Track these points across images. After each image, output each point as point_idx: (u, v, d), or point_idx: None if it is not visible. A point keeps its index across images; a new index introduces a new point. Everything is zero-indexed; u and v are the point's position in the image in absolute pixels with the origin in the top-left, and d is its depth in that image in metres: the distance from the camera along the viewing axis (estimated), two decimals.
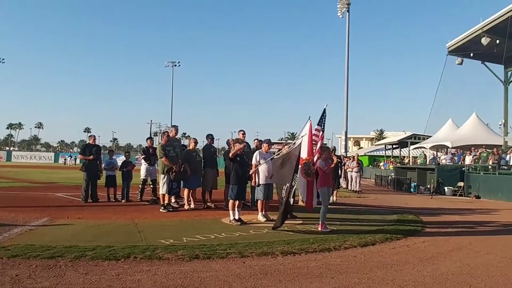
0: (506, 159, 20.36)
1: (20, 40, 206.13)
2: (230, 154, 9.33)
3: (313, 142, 9.26)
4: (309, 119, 9.24)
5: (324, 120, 10.20)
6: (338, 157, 15.92)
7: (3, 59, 69.29)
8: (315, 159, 9.23)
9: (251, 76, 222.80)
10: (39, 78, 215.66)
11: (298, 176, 8.78)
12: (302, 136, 9.33)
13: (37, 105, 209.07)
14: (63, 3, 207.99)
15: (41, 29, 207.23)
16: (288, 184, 8.11)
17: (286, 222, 8.42)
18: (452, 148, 27.97)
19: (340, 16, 31.20)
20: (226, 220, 9.09)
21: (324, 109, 10.36)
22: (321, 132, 10.05)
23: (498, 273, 5.62)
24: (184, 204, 11.45)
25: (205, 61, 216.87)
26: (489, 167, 19.85)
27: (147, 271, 5.13)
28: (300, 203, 10.60)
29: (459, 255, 6.70)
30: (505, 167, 19.62)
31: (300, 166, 8.82)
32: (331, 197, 11.94)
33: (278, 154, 9.16)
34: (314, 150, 9.18)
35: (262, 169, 9.39)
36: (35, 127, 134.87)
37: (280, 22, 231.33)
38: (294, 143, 8.94)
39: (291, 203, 8.50)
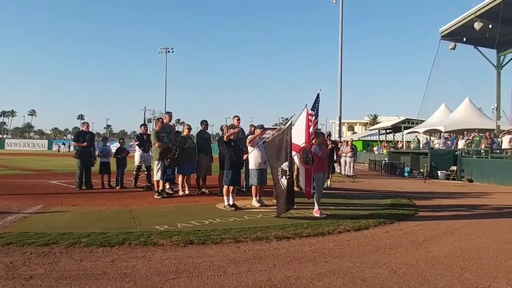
0: (498, 143, 20.48)
1: (11, 26, 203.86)
2: (224, 137, 9.35)
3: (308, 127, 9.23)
4: (305, 107, 9.22)
5: (318, 105, 10.18)
6: (334, 142, 15.95)
7: None
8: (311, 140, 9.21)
9: (245, 62, 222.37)
10: (31, 65, 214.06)
11: (296, 162, 8.77)
12: (292, 118, 9.33)
13: (30, 92, 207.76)
14: None
15: (33, 14, 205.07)
16: (283, 167, 8.09)
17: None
18: (445, 132, 28.10)
19: (334, 1, 30.92)
20: (221, 206, 9.12)
21: (318, 94, 10.34)
22: (314, 117, 10.03)
23: (490, 255, 5.69)
24: (179, 190, 11.47)
25: (199, 47, 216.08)
26: (482, 151, 19.98)
27: (142, 257, 5.15)
28: (295, 188, 10.63)
29: (451, 238, 6.77)
30: (498, 151, 19.76)
31: (299, 154, 8.81)
32: (326, 181, 11.98)
33: (270, 138, 9.14)
34: (311, 136, 9.15)
35: (256, 154, 9.40)
36: (28, 114, 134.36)
37: (274, 6, 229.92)
38: (284, 127, 8.90)
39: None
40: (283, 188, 8.01)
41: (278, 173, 8.23)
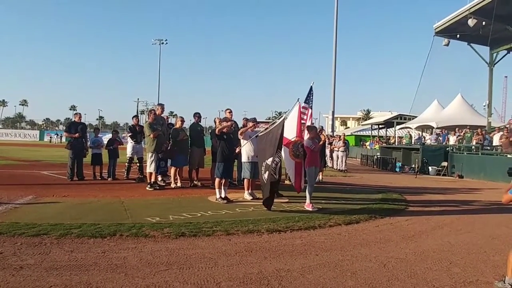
0: (489, 139, 20.64)
1: (2, 15, 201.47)
2: (216, 130, 9.37)
3: (302, 121, 9.25)
4: (297, 101, 9.22)
5: (312, 98, 10.22)
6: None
7: None
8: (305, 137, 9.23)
9: (239, 55, 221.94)
10: (23, 55, 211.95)
11: (283, 155, 8.78)
12: (285, 113, 9.35)
13: (21, 81, 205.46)
14: None
15: (23, 3, 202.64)
16: (267, 162, 8.12)
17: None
18: (437, 128, 28.24)
19: None
20: (213, 199, 9.13)
21: (311, 87, 10.38)
22: (309, 110, 10.07)
23: (478, 250, 5.76)
24: (171, 182, 11.47)
25: (193, 39, 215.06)
26: (473, 147, 20.12)
27: (133, 248, 5.16)
28: (286, 182, 10.67)
29: (440, 233, 6.84)
30: (488, 148, 19.91)
31: (289, 147, 8.82)
32: (318, 176, 12.04)
33: (263, 131, 9.16)
34: (303, 130, 9.16)
35: (249, 147, 9.42)
36: (20, 104, 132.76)
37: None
38: (277, 122, 8.91)
39: (278, 181, 8.53)
40: (265, 182, 8.10)
41: (262, 167, 8.29)
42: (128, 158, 12.71)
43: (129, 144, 12.67)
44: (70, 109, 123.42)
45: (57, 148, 33.46)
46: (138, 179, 12.22)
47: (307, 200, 8.47)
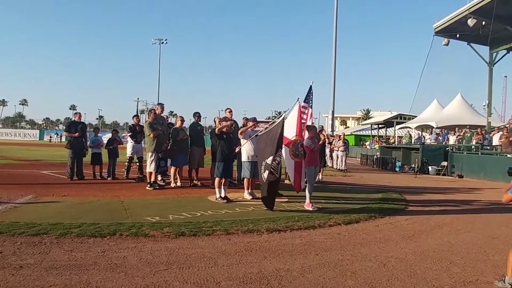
0: (489, 139, 20.64)
1: (2, 15, 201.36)
2: (216, 130, 9.37)
3: (302, 120, 9.25)
4: (297, 100, 9.23)
5: (311, 97, 10.23)
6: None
7: None
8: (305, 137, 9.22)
9: (239, 55, 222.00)
10: (23, 54, 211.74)
11: (284, 155, 8.78)
12: (285, 112, 9.35)
13: (21, 81, 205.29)
14: None
15: (23, 3, 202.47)
16: (267, 161, 8.11)
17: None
18: (437, 128, 28.23)
19: None
20: (212, 198, 9.12)
21: (310, 86, 10.38)
22: (309, 109, 10.07)
23: (478, 250, 5.76)
24: (171, 182, 11.46)
25: (193, 39, 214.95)
26: (472, 147, 20.11)
27: (133, 248, 5.15)
28: (286, 181, 10.66)
29: (440, 232, 6.84)
30: (488, 147, 19.90)
31: (289, 147, 8.82)
32: (317, 175, 12.03)
33: (263, 131, 9.16)
34: (303, 130, 9.15)
35: (249, 146, 9.42)
36: (20, 104, 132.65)
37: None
38: (276, 121, 8.90)
39: (278, 180, 8.53)
40: (264, 181, 8.10)
41: (262, 166, 8.28)
42: (128, 157, 12.71)
43: (129, 144, 12.67)
44: (70, 109, 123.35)
45: (57, 148, 33.42)
46: (138, 178, 12.22)
47: (307, 200, 8.47)
